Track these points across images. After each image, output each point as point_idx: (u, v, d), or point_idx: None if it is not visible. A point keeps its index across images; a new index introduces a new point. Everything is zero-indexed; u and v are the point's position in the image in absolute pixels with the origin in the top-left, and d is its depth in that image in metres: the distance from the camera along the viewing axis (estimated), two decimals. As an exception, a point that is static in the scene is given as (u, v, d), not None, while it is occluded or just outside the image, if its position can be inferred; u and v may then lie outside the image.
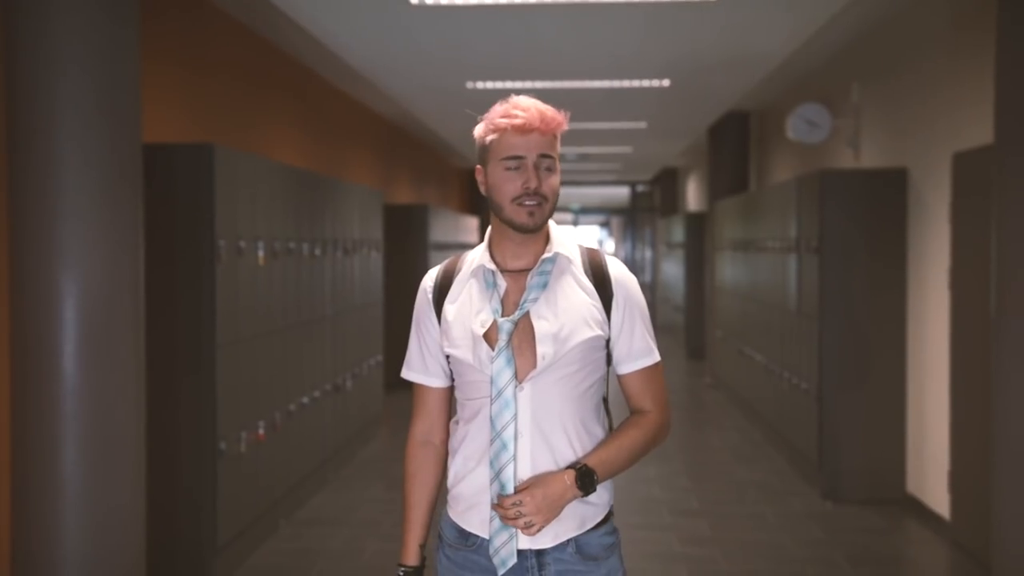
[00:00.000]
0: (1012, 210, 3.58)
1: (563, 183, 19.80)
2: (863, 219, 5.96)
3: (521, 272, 2.04)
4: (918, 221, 5.75)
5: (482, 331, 2.00)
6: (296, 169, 5.83)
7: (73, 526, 3.37)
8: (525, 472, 1.97)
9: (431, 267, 2.23)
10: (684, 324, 13.06)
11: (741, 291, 8.89)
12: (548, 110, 1.99)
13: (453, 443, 2.10)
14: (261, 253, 4.96)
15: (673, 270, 14.54)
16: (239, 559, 4.73)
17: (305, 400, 5.72)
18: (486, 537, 2.00)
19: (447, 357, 2.09)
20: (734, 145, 10.55)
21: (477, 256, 2.09)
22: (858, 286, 5.96)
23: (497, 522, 1.96)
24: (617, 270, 2.09)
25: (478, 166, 2.06)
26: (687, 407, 9.54)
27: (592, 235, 40.04)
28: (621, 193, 20.25)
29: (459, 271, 2.10)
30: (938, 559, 4.99)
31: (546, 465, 1.98)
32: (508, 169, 1.98)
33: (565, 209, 23.06)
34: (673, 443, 7.77)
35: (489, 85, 7.79)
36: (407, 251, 9.84)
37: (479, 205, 17.32)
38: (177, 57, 5.24)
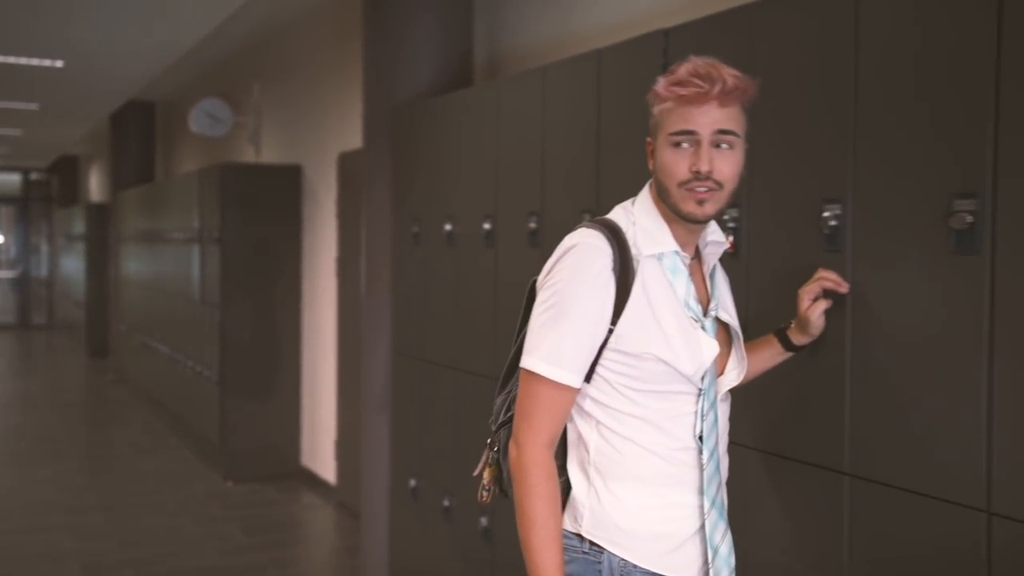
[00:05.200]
0: (374, 204, 4.13)
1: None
2: (262, 211, 6.30)
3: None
4: (311, 214, 6.25)
5: (708, 334, 1.66)
6: None
7: None
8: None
9: None
10: (85, 320, 12.38)
11: (146, 283, 8.75)
12: (733, 75, 1.57)
13: (612, 464, 1.65)
14: None
15: (73, 264, 13.68)
16: None
17: None
18: None
19: (603, 354, 1.64)
20: (139, 135, 10.33)
21: (645, 231, 1.65)
22: (258, 274, 6.28)
23: (721, 563, 1.67)
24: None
25: (648, 138, 1.68)
26: (86, 406, 9.12)
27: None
28: (12, 180, 18.42)
29: (632, 246, 1.64)
30: (324, 518, 5.50)
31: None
32: (676, 146, 1.60)
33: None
34: (68, 442, 7.40)
35: None
36: None
37: None
38: None
